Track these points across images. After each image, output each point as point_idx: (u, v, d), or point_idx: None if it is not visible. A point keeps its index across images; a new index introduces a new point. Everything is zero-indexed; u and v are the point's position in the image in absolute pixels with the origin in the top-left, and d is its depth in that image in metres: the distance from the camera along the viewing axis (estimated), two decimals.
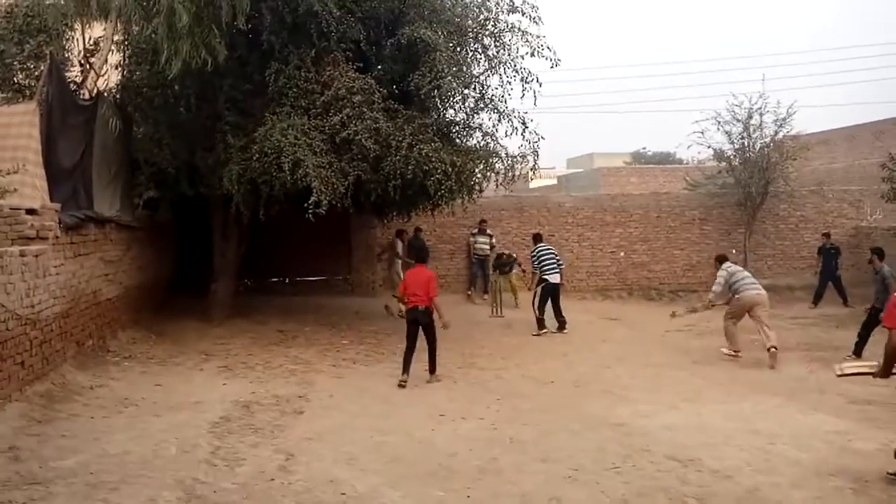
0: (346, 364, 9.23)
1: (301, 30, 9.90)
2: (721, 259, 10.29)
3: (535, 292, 11.86)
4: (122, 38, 10.23)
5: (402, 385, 8.00)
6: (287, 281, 15.04)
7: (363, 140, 9.30)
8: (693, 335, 11.88)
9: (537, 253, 12.07)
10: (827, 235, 15.51)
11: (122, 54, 10.64)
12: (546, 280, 11.72)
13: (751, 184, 15.55)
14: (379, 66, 10.47)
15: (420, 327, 8.30)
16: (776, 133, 15.34)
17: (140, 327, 10.10)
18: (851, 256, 16.02)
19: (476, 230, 15.03)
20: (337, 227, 13.64)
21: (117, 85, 10.71)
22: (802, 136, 16.11)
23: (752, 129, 15.36)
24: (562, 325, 11.82)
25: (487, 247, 14.86)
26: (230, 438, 5.86)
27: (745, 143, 15.47)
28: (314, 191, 9.02)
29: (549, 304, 11.74)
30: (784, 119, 15.14)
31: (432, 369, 8.38)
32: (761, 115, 15.24)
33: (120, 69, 10.73)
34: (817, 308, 14.62)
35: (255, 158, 9.33)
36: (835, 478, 5.14)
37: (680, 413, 6.97)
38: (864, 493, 4.87)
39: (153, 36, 8.82)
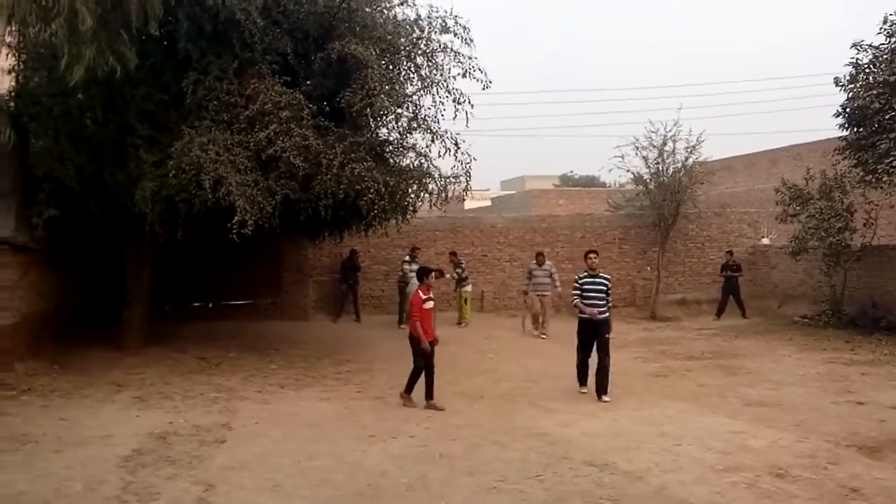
0: (274, 389, 8.82)
1: (222, 39, 9.42)
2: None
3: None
4: (16, 40, 9.29)
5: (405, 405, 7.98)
6: (210, 306, 14.17)
7: (291, 157, 8.95)
8: (612, 349, 12.24)
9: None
10: (730, 253, 16.69)
11: (16, 58, 9.70)
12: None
13: (664, 206, 16.39)
14: (308, 82, 10.13)
15: None
16: (687, 159, 16.19)
17: (41, 358, 9.36)
18: (749, 272, 17.35)
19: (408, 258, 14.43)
20: (265, 248, 13.09)
21: (10, 92, 9.77)
22: (709, 161, 17.10)
23: (665, 155, 16.14)
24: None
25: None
26: (143, 472, 5.50)
27: (660, 168, 16.25)
28: (238, 210, 8.58)
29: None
30: (694, 146, 16.02)
31: (407, 388, 8.04)
32: (674, 141, 16.06)
33: (14, 75, 9.78)
34: (720, 320, 15.67)
35: (171, 175, 8.82)
36: (730, 473, 5.53)
37: (598, 421, 7.30)
38: (755, 486, 5.27)
39: (52, 39, 8.03)
